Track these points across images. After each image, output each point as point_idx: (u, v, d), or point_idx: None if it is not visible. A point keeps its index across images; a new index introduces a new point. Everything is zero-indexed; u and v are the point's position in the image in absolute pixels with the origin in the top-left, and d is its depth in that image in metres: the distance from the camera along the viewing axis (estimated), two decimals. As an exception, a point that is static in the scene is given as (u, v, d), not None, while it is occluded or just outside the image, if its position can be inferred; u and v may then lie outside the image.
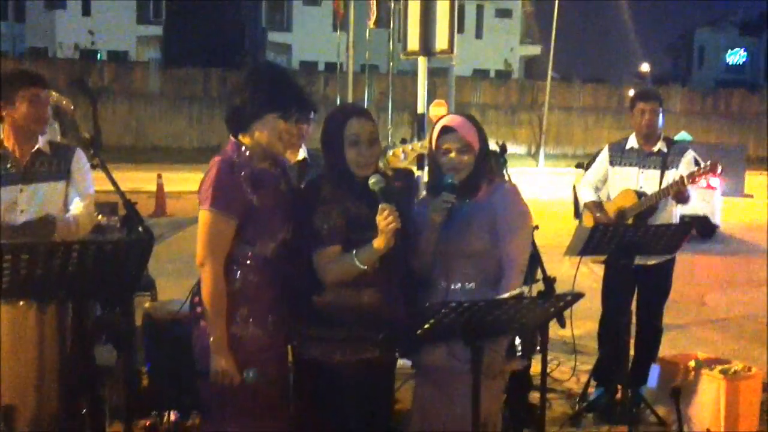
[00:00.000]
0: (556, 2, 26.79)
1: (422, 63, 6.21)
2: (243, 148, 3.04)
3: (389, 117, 16.79)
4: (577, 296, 2.80)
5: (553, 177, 21.55)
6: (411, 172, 5.37)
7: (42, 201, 3.59)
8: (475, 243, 3.16)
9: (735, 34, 55.75)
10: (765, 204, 17.16)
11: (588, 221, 4.93)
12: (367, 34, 14.86)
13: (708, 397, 4.53)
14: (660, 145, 4.96)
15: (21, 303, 3.33)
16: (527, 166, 25.35)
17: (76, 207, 3.66)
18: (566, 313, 3.16)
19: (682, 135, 16.11)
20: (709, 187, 10.08)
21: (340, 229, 2.99)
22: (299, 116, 3.06)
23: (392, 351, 3.18)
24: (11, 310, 3.34)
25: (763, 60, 53.84)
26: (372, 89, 20.62)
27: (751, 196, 18.59)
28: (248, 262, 3.02)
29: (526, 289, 2.95)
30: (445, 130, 3.18)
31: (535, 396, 4.62)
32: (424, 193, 3.62)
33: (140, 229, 2.94)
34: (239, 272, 3.01)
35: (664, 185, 4.80)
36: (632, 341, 4.69)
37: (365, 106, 9.32)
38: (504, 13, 43.26)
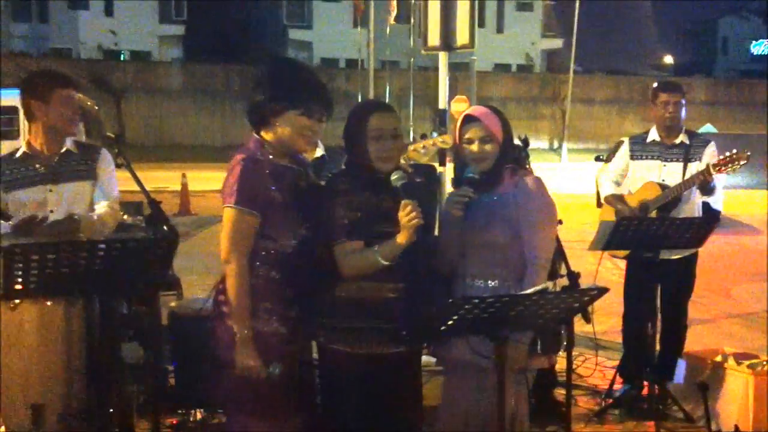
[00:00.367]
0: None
1: (443, 58, 6.20)
2: (265, 144, 3.06)
3: (410, 112, 16.79)
4: (602, 291, 2.78)
5: (576, 172, 21.42)
6: (433, 168, 5.38)
7: (70, 201, 3.63)
8: (498, 235, 3.15)
9: (759, 23, 55.02)
10: (790, 195, 16.95)
11: (608, 215, 4.88)
12: (388, 30, 14.86)
13: (735, 393, 4.47)
14: (682, 138, 4.90)
15: (48, 303, 3.37)
16: (550, 161, 25.21)
17: (102, 206, 3.70)
18: (589, 308, 3.15)
19: (707, 127, 15.97)
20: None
21: (361, 222, 3.01)
22: (321, 113, 3.07)
23: (418, 346, 3.18)
24: (39, 309, 3.37)
25: (788, 50, 53.08)
26: (392, 85, 20.62)
27: (776, 187, 18.38)
28: (270, 257, 3.04)
29: (550, 284, 2.93)
30: (468, 119, 3.19)
31: (560, 392, 4.61)
32: (448, 188, 3.62)
33: (165, 227, 2.96)
34: (262, 268, 3.04)
35: (687, 178, 4.74)
36: (657, 336, 4.65)
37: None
38: (525, 7, 43.04)
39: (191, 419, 4.27)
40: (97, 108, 5.82)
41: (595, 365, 5.33)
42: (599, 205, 5.37)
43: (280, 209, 3.02)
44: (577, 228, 7.53)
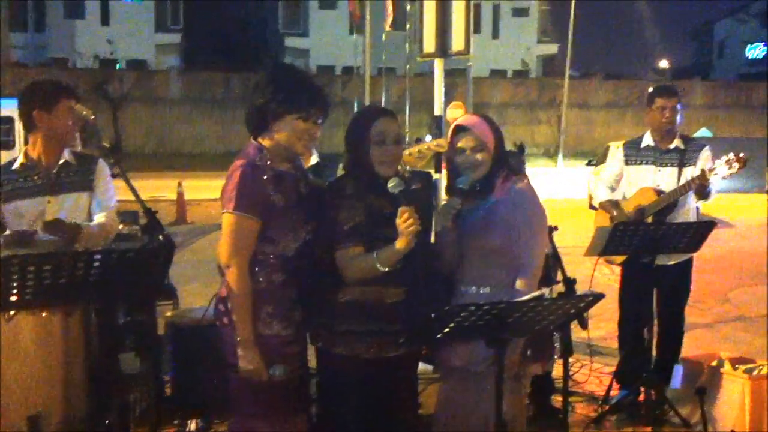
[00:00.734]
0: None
1: (439, 64, 6.21)
2: (264, 150, 3.09)
3: (407, 119, 16.80)
4: (598, 297, 2.79)
5: (572, 177, 21.41)
6: (429, 175, 5.38)
7: (69, 212, 3.63)
8: (490, 241, 3.18)
9: (756, 25, 55.10)
10: (789, 198, 16.97)
11: (603, 221, 4.89)
12: (384, 37, 14.87)
13: (732, 398, 4.48)
14: (677, 142, 4.90)
15: (44, 314, 3.37)
16: (546, 166, 25.22)
17: (100, 217, 3.70)
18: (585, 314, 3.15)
19: (702, 131, 16.00)
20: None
21: (363, 226, 3.04)
22: (318, 116, 3.11)
23: (417, 349, 3.21)
24: (35, 320, 3.37)
25: (785, 52, 53.14)
26: (389, 92, 20.63)
27: (774, 191, 18.38)
28: (272, 261, 3.08)
29: (546, 290, 2.94)
30: (459, 129, 3.23)
31: (557, 399, 4.61)
32: (443, 195, 3.64)
33: (161, 237, 2.97)
34: (263, 272, 3.07)
35: (682, 182, 4.74)
36: (654, 341, 4.65)
37: (384, 109, 9.29)
38: (520, 12, 43.13)
39: (187, 429, 4.26)
40: (93, 117, 5.80)
41: (590, 371, 5.33)
42: (591, 207, 5.38)
43: (281, 213, 3.05)
44: (573, 233, 7.53)
